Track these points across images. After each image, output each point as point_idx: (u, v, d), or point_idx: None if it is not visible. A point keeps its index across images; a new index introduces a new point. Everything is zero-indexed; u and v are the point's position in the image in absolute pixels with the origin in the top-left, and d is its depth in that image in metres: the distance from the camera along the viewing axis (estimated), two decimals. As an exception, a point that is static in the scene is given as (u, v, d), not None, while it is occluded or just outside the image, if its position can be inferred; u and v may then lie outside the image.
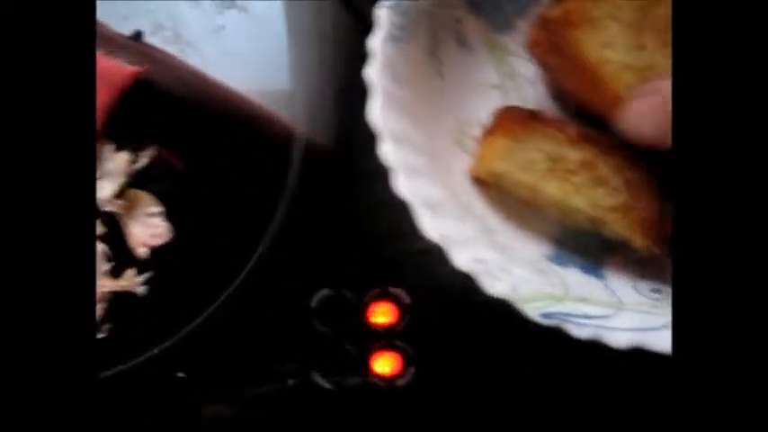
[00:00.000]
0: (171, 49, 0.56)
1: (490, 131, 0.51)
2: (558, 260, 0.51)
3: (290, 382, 0.49)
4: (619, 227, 0.48)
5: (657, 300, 0.50)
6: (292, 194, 0.51)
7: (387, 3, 0.50)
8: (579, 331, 0.45)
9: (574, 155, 0.49)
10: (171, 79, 0.56)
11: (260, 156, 0.53)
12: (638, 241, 0.48)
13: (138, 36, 0.57)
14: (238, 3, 0.58)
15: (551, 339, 0.45)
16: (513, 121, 0.50)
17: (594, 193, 0.49)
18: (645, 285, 0.51)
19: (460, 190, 0.51)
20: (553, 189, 0.49)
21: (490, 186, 0.51)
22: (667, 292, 0.51)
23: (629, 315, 0.48)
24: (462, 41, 0.55)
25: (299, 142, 0.52)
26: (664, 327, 0.47)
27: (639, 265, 0.51)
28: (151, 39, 0.57)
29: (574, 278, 0.50)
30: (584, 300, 0.48)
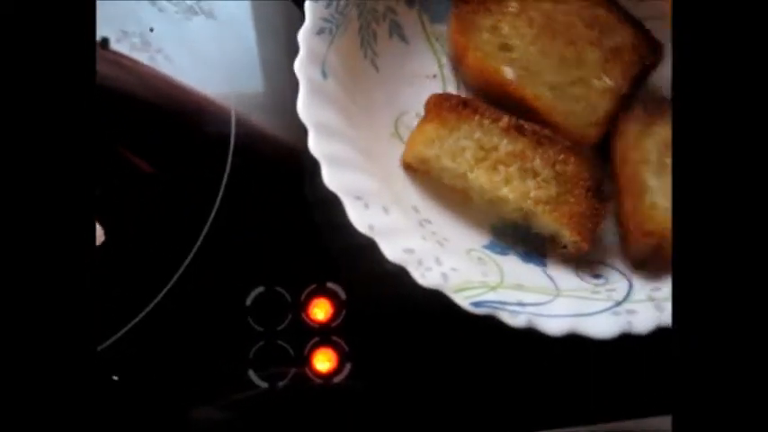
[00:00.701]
0: (140, 56, 0.56)
1: (424, 119, 0.50)
2: (495, 249, 0.50)
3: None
4: (548, 220, 0.48)
5: (597, 285, 0.50)
6: (225, 194, 0.51)
7: (315, -6, 0.49)
8: (513, 319, 0.45)
9: (505, 145, 0.49)
10: (138, 85, 0.55)
11: (195, 157, 0.52)
12: (567, 236, 0.48)
13: (104, 43, 0.56)
14: (205, 8, 0.58)
15: (487, 328, 0.45)
16: (446, 108, 0.50)
17: (524, 185, 0.48)
18: (587, 271, 0.50)
19: (395, 181, 0.51)
20: (482, 178, 0.48)
21: (420, 174, 0.51)
22: (608, 277, 0.50)
23: (566, 301, 0.47)
24: (398, 33, 0.55)
25: (234, 142, 0.52)
26: (600, 312, 0.46)
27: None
28: (118, 46, 0.56)
29: (512, 266, 0.49)
30: (519, 287, 0.47)
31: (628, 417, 0.50)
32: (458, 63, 0.53)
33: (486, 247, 0.50)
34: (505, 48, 0.51)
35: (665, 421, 0.48)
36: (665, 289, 0.48)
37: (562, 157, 0.49)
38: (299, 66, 0.48)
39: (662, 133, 0.50)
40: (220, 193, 0.51)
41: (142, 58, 0.56)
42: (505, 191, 0.48)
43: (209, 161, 0.52)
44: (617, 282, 0.50)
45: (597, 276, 0.50)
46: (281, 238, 0.51)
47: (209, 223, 0.50)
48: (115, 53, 0.56)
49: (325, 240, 0.51)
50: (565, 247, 0.49)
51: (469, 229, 0.51)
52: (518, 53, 0.51)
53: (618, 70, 0.52)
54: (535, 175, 0.49)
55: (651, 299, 0.48)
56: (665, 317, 0.46)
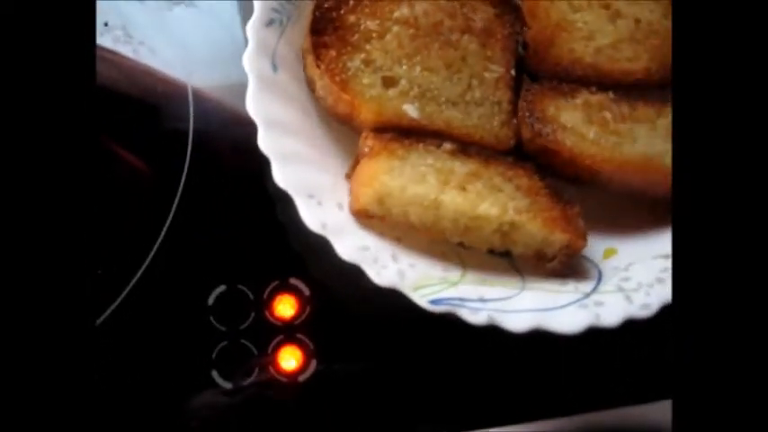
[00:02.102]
0: (124, 49, 0.55)
1: (367, 156, 0.47)
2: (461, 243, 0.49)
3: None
4: (535, 227, 0.46)
5: (565, 276, 0.48)
6: (184, 191, 0.50)
7: (261, -15, 0.48)
8: (473, 317, 0.43)
9: (460, 167, 0.47)
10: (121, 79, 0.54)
11: (152, 152, 0.51)
12: (558, 238, 0.46)
13: None
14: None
15: (448, 325, 0.44)
16: (387, 140, 0.47)
17: (498, 199, 0.46)
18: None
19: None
20: (457, 199, 0.45)
21: (376, 221, 0.46)
22: (576, 267, 0.49)
23: (532, 295, 0.46)
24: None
25: (192, 137, 0.51)
26: (566, 306, 0.45)
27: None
28: (101, 39, 0.55)
29: (477, 258, 0.48)
30: (483, 281, 0.46)
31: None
32: (345, 120, 0.49)
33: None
34: (391, 82, 0.48)
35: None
36: (634, 278, 0.46)
37: (512, 172, 0.48)
38: (247, 59, 0.46)
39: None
40: (179, 191, 0.50)
41: (125, 51, 0.55)
42: (485, 206, 0.45)
43: (165, 157, 0.51)
44: (586, 272, 0.48)
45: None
46: (242, 234, 0.50)
47: (168, 221, 0.49)
48: (98, 47, 0.55)
49: (288, 236, 0.49)
50: (553, 259, 0.47)
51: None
52: (406, 81, 0.48)
53: (498, 50, 0.50)
54: (500, 189, 0.47)
55: (620, 289, 0.46)
56: (634, 308, 0.45)
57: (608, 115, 0.48)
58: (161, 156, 0.52)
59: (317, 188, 0.45)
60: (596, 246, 0.49)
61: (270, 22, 0.47)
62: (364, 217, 0.46)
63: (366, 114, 0.47)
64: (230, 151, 0.52)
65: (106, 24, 0.56)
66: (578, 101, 0.49)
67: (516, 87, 0.50)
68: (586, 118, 0.48)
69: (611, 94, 0.49)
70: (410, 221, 0.46)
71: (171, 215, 0.50)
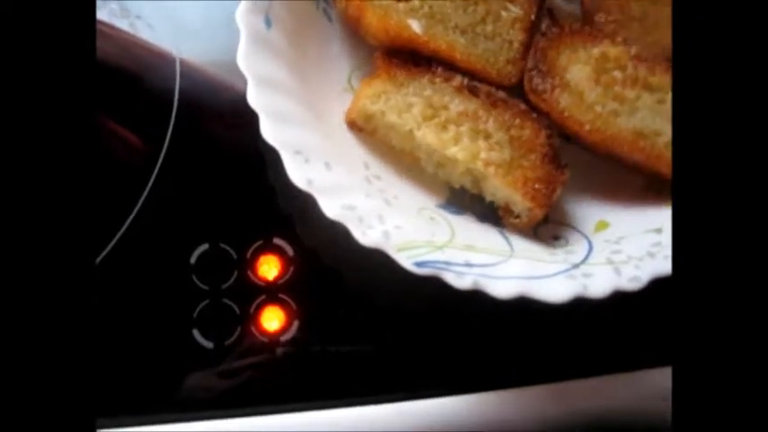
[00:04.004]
0: (120, 23, 0.54)
1: (372, 75, 0.48)
2: (450, 209, 0.48)
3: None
4: (499, 183, 0.45)
5: (556, 247, 0.47)
6: (169, 149, 0.49)
7: (256, -61, 0.47)
8: (458, 280, 0.43)
9: (456, 105, 0.47)
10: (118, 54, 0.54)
11: (136, 113, 0.51)
12: (519, 202, 0.46)
13: None
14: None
15: (434, 289, 0.43)
16: (395, 64, 0.48)
17: (475, 146, 0.46)
18: (546, 232, 0.48)
19: (345, 137, 0.49)
20: (429, 137, 0.46)
21: (366, 134, 0.48)
22: (568, 237, 0.48)
23: (519, 263, 0.45)
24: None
25: (178, 96, 0.50)
26: (554, 275, 0.44)
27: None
28: (99, 14, 0.54)
29: (466, 226, 0.47)
30: (470, 247, 0.45)
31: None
32: (355, 26, 0.49)
33: (441, 206, 0.48)
34: None
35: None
36: (625, 252, 0.46)
37: (518, 121, 0.47)
38: (240, 14, 0.45)
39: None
40: (163, 150, 0.49)
41: (122, 24, 0.55)
42: (454, 150, 0.46)
43: (150, 116, 0.50)
44: (576, 243, 0.47)
45: (556, 238, 0.48)
46: (226, 194, 0.49)
47: (152, 179, 0.49)
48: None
49: (273, 196, 0.49)
50: (518, 216, 0.46)
51: (424, 189, 0.48)
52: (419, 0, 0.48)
53: None
54: (487, 136, 0.46)
55: (610, 261, 0.45)
56: (622, 280, 0.44)
57: (618, 75, 0.47)
58: (144, 118, 0.51)
59: (306, 146, 0.44)
60: (589, 218, 0.49)
61: (267, -23, 0.47)
62: (355, 129, 0.49)
63: (370, 19, 0.47)
64: (216, 113, 0.51)
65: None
66: (595, 51, 0.48)
67: (535, 33, 0.49)
68: (594, 75, 0.47)
69: (633, 50, 0.48)
70: (393, 144, 0.48)
71: (154, 174, 0.49)
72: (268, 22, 0.46)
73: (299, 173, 0.43)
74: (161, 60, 0.52)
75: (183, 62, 0.53)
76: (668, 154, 0.47)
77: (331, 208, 0.43)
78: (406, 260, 0.43)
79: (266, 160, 0.48)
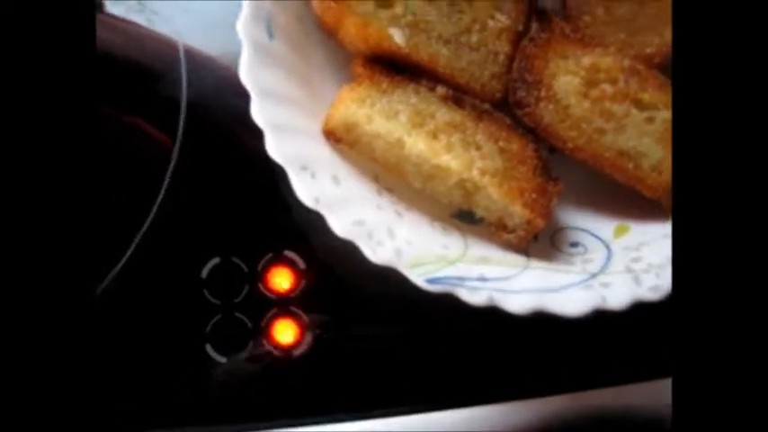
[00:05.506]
0: (138, 18, 0.53)
1: (352, 81, 0.46)
2: (465, 218, 0.47)
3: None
4: (496, 193, 0.44)
5: (574, 255, 0.46)
6: (178, 162, 0.48)
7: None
8: (472, 296, 0.42)
9: (443, 114, 0.45)
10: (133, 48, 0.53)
11: (143, 125, 0.50)
12: (517, 212, 0.44)
13: (99, 6, 0.53)
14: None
15: (449, 301, 0.42)
16: (378, 71, 0.45)
17: (468, 154, 0.44)
18: (564, 237, 0.47)
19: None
20: (420, 144, 0.44)
21: (346, 146, 0.46)
22: (586, 245, 0.47)
23: (535, 274, 0.44)
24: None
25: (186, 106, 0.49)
26: (570, 286, 0.43)
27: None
28: (114, 9, 0.53)
29: (481, 235, 0.46)
30: (484, 260, 0.44)
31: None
32: (332, 33, 0.47)
33: (456, 215, 0.47)
34: (384, 3, 0.45)
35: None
36: (645, 259, 0.44)
37: (504, 134, 0.45)
38: (241, 26, 0.44)
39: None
40: (173, 162, 0.49)
41: (139, 20, 0.53)
42: (447, 158, 0.44)
43: (157, 128, 0.50)
44: (595, 251, 0.46)
45: (574, 245, 0.47)
46: (236, 205, 0.49)
47: (162, 193, 0.48)
48: (111, 15, 0.53)
49: (283, 208, 0.48)
50: (513, 231, 0.45)
51: (438, 198, 0.47)
52: (400, 6, 0.45)
53: (510, 2, 0.47)
54: (478, 147, 0.44)
55: (629, 270, 0.44)
56: (642, 290, 0.43)
57: (608, 89, 0.45)
58: (153, 125, 0.50)
59: (312, 160, 0.43)
60: (607, 223, 0.47)
61: (265, -14, 0.45)
62: (333, 140, 0.46)
63: (350, 27, 0.45)
64: (226, 122, 0.50)
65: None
66: (585, 61, 0.46)
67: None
68: (583, 87, 0.45)
69: (626, 62, 0.46)
70: (375, 157, 0.45)
71: (164, 187, 0.48)
72: (270, 33, 0.45)
73: (306, 190, 0.42)
74: (168, 62, 0.51)
75: (189, 65, 0.51)
76: (653, 177, 0.45)
77: (340, 225, 0.42)
78: (419, 277, 0.42)
79: (276, 172, 0.47)
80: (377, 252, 0.42)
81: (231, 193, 0.49)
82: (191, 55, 0.51)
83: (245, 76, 0.43)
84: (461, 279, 0.42)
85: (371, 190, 0.45)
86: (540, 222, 0.44)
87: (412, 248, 0.43)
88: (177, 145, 0.49)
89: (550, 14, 0.47)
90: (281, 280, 0.48)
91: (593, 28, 0.47)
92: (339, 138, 0.45)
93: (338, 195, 0.43)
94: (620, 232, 0.47)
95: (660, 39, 0.47)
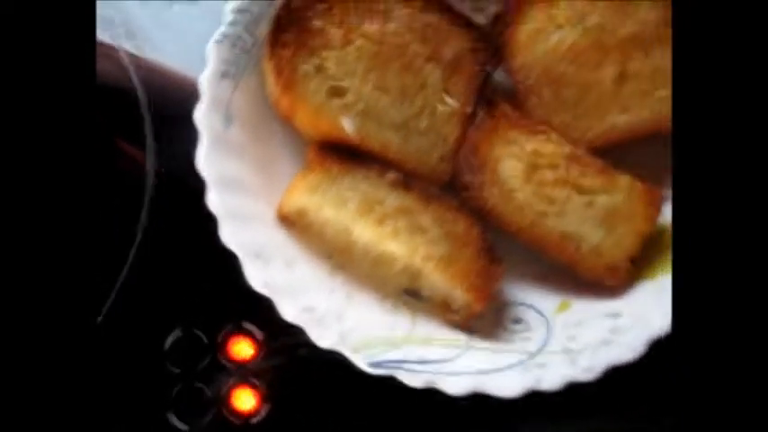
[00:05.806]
0: (127, 45, 0.55)
1: (305, 168, 0.48)
2: (413, 295, 0.49)
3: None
4: (438, 279, 0.46)
5: (515, 332, 0.48)
6: (143, 237, 0.51)
7: (216, 37, 0.47)
8: (412, 379, 0.44)
9: (392, 200, 0.47)
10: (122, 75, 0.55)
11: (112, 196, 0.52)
12: (459, 296, 0.46)
13: None
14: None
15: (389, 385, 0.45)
16: (329, 158, 0.47)
17: (413, 241, 0.46)
18: (508, 313, 0.49)
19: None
20: (367, 231, 0.46)
21: (299, 230, 0.48)
22: (528, 321, 0.49)
23: (475, 356, 0.46)
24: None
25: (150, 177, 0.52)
26: (508, 368, 0.45)
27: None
28: (102, 36, 0.54)
29: (428, 312, 0.48)
30: (427, 341, 0.47)
31: None
32: (287, 120, 0.49)
33: (406, 292, 0.48)
34: (337, 92, 0.47)
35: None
36: (581, 338, 0.46)
37: (451, 216, 0.47)
38: (199, 115, 0.46)
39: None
40: (137, 239, 0.51)
41: (128, 48, 0.55)
42: (392, 246, 0.46)
43: (122, 200, 0.52)
44: (536, 328, 0.48)
45: (517, 321, 0.49)
46: (197, 279, 0.51)
47: (126, 269, 0.50)
48: (101, 44, 0.54)
49: (243, 281, 0.50)
50: (457, 311, 0.47)
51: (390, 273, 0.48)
52: (352, 95, 0.47)
53: (460, 85, 0.48)
54: (424, 231, 0.47)
55: (566, 350, 0.46)
56: (576, 371, 0.45)
57: (549, 176, 0.47)
58: (117, 197, 0.52)
59: (265, 247, 0.46)
60: (551, 298, 0.49)
61: (225, 75, 0.47)
62: (288, 224, 0.48)
63: (302, 117, 0.47)
64: (186, 205, 0.51)
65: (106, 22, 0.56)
66: (528, 147, 0.48)
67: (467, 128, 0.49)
68: (526, 174, 0.47)
69: (567, 148, 0.48)
70: (326, 241, 0.47)
71: (128, 263, 0.50)
72: (228, 120, 0.47)
73: (257, 277, 0.45)
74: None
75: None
76: (592, 259, 0.48)
77: (289, 311, 0.44)
78: (362, 360, 0.44)
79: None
80: (323, 337, 0.44)
81: (192, 268, 0.51)
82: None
83: (202, 166, 0.45)
84: (402, 362, 0.45)
85: (324, 271, 0.48)
86: (478, 306, 0.46)
87: (357, 333, 0.45)
88: (141, 223, 0.51)
89: (497, 100, 0.49)
90: (240, 350, 0.50)
91: (539, 109, 0.49)
92: (293, 222, 0.48)
93: (289, 281, 0.46)
94: (562, 308, 0.49)
95: (602, 124, 0.49)
